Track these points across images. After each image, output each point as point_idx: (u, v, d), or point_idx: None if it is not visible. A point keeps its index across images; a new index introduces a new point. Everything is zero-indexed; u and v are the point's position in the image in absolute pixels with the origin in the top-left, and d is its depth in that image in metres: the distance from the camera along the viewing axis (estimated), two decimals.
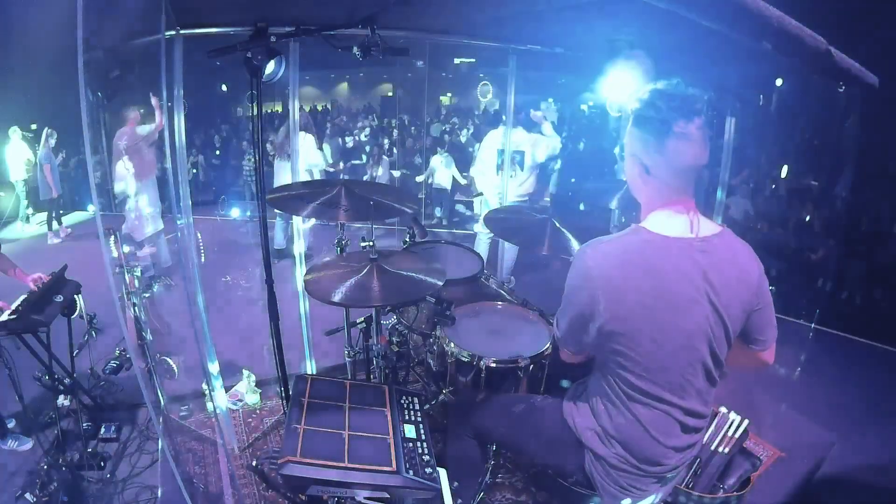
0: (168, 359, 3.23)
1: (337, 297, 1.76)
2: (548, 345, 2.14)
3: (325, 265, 2.03)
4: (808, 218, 6.07)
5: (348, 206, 2.15)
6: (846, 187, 5.84)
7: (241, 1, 2.08)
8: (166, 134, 2.42)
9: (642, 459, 1.41)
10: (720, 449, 2.16)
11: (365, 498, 1.41)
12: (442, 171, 7.85)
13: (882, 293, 5.62)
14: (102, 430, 2.77)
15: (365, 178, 8.47)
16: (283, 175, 5.20)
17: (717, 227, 1.32)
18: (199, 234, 3.12)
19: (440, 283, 1.89)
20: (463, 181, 7.64)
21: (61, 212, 6.97)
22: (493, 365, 2.02)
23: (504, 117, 4.76)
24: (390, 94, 14.04)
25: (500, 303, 2.50)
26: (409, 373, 2.71)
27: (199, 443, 2.73)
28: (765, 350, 1.44)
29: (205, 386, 2.92)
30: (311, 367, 3.03)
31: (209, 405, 2.87)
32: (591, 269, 1.28)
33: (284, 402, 2.63)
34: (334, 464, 1.37)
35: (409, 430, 1.58)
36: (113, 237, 2.63)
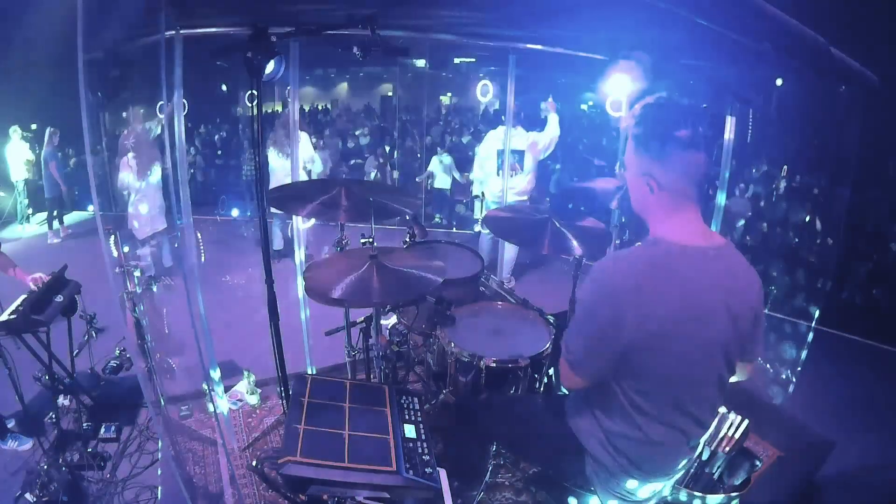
0: (168, 359, 3.23)
1: (336, 295, 1.75)
2: (548, 345, 2.14)
3: (325, 263, 2.03)
4: (808, 218, 6.08)
5: (348, 206, 2.15)
6: (846, 187, 5.84)
7: (241, 1, 2.08)
8: (166, 134, 2.42)
9: (647, 471, 1.41)
10: (720, 449, 2.15)
11: (365, 498, 1.41)
12: (442, 171, 7.85)
13: (882, 293, 5.62)
14: (102, 430, 2.77)
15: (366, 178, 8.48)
16: (279, 174, 5.18)
17: (719, 236, 1.32)
18: (198, 234, 3.12)
19: (440, 280, 1.89)
20: (463, 181, 7.63)
21: (62, 211, 6.97)
22: (493, 365, 2.02)
23: (503, 117, 4.79)
24: (390, 94, 14.04)
25: (500, 303, 2.50)
26: (409, 373, 2.71)
27: (199, 443, 2.72)
28: (752, 362, 1.43)
29: (205, 386, 2.92)
30: (311, 367, 3.03)
31: (209, 405, 2.87)
32: (616, 284, 1.23)
33: (284, 402, 2.62)
34: (334, 464, 1.37)
35: (409, 430, 1.58)
36: (113, 237, 2.63)
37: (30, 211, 7.45)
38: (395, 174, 8.87)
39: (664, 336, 1.21)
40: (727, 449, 2.14)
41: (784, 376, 3.65)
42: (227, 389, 2.94)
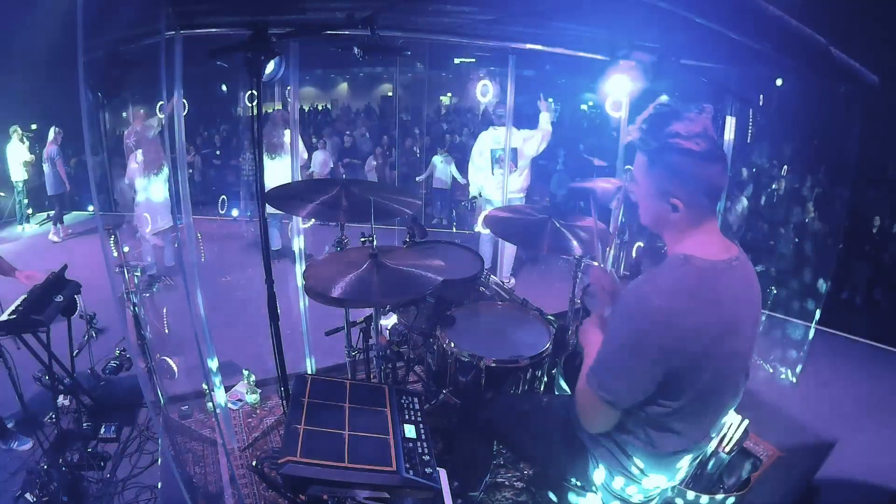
0: (168, 359, 3.23)
1: (336, 294, 1.75)
2: (548, 345, 2.14)
3: (324, 262, 2.03)
4: (807, 218, 6.08)
5: (348, 206, 2.15)
6: (846, 187, 5.84)
7: (242, 1, 2.08)
8: (166, 134, 2.42)
9: (652, 476, 1.40)
10: (720, 449, 2.15)
11: (365, 498, 1.41)
12: (442, 171, 7.85)
13: (882, 293, 5.63)
14: (102, 430, 2.77)
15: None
16: (273, 175, 5.16)
17: (734, 245, 1.28)
18: (198, 234, 3.12)
19: (440, 279, 1.89)
20: (463, 181, 7.64)
21: (63, 211, 6.97)
22: (493, 365, 2.02)
23: (493, 118, 4.81)
24: (390, 94, 14.03)
25: (500, 303, 2.50)
26: (409, 373, 2.71)
27: (199, 443, 2.72)
28: None
29: (205, 386, 2.92)
30: (311, 367, 3.03)
31: (209, 405, 2.87)
32: (660, 311, 1.15)
33: (284, 402, 2.62)
34: (334, 464, 1.37)
35: (409, 430, 1.58)
36: (113, 237, 2.63)
37: (30, 211, 7.45)
38: (395, 174, 8.87)
39: (705, 356, 1.18)
40: (727, 449, 2.14)
41: (784, 376, 3.66)
42: (227, 389, 2.94)
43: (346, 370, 2.51)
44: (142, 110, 5.19)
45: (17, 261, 2.80)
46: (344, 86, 15.18)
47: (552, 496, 1.72)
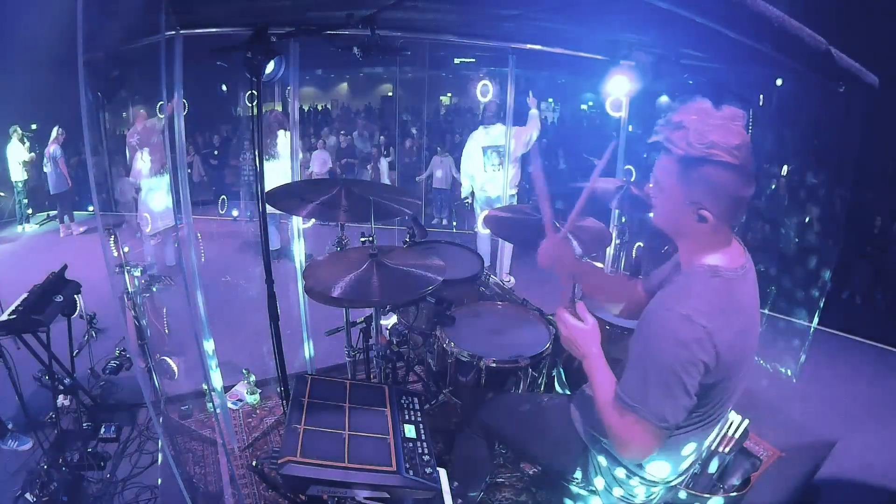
0: (168, 359, 3.23)
1: (336, 294, 1.75)
2: (548, 345, 2.14)
3: (324, 262, 2.03)
4: (808, 218, 6.07)
5: (348, 206, 2.15)
6: (846, 187, 5.84)
7: (241, 1, 2.08)
8: (166, 134, 2.42)
9: (654, 478, 1.40)
10: (720, 449, 2.16)
11: (365, 498, 1.41)
12: (441, 171, 7.85)
13: (882, 293, 5.62)
14: (102, 430, 2.77)
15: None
16: (267, 177, 5.16)
17: (744, 248, 1.28)
18: (198, 234, 3.12)
19: (440, 279, 1.89)
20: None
21: (67, 210, 6.98)
22: (493, 365, 2.02)
23: (480, 118, 4.85)
24: (390, 94, 14.03)
25: (500, 303, 2.50)
26: (409, 373, 2.71)
27: (199, 443, 2.72)
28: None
29: (205, 386, 2.92)
30: (310, 367, 3.03)
31: (209, 405, 2.87)
32: (703, 329, 1.12)
33: (284, 402, 2.62)
34: (334, 464, 1.37)
35: (409, 430, 1.58)
36: (113, 237, 2.63)
37: (30, 211, 7.45)
38: (395, 174, 8.87)
39: (735, 363, 1.19)
40: (727, 449, 2.14)
41: (784, 376, 3.65)
42: (227, 389, 2.95)
43: (346, 370, 2.51)
44: (143, 110, 5.19)
45: (17, 260, 2.80)
46: (344, 86, 15.18)
47: (552, 496, 1.72)
